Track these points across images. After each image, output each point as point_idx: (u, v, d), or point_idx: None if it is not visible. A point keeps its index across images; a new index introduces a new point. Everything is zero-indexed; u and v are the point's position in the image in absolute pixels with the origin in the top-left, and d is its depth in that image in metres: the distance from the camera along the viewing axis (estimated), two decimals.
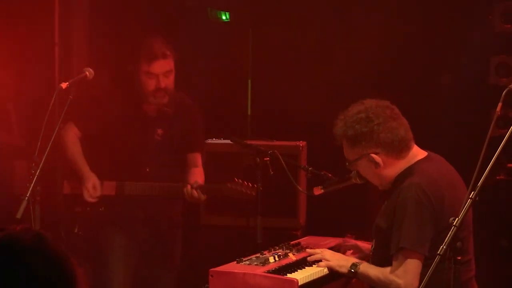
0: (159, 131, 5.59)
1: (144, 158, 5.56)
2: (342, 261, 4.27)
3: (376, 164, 4.13)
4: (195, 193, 5.38)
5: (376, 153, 4.11)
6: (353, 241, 4.64)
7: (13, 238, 2.20)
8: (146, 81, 5.49)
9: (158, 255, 5.68)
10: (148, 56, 5.50)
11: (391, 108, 4.17)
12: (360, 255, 4.48)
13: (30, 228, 2.25)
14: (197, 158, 5.69)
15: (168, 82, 5.54)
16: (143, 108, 5.59)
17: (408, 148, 4.16)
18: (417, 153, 4.20)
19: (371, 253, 4.26)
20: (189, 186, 5.40)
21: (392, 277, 4.00)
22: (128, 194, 5.49)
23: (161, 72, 5.49)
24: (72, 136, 5.60)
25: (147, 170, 5.55)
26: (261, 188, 5.24)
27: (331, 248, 4.51)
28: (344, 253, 4.53)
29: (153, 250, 5.65)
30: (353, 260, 4.25)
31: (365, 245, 4.52)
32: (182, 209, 5.78)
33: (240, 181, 5.32)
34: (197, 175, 5.59)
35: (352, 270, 4.17)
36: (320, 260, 4.33)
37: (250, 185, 5.29)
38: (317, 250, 4.40)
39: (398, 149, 4.12)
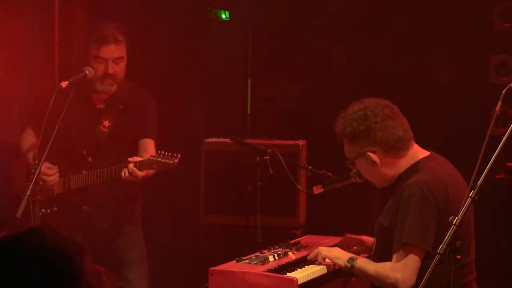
0: (106, 123, 5.37)
1: (88, 149, 5.34)
2: (338, 254, 4.26)
3: (373, 163, 4.12)
4: (130, 167, 5.04)
5: (373, 152, 4.11)
6: (356, 236, 4.62)
7: (18, 238, 2.23)
8: (95, 65, 5.28)
9: (116, 252, 5.49)
10: (98, 39, 5.29)
11: (391, 108, 4.16)
12: (364, 249, 4.48)
13: (37, 228, 2.27)
14: (149, 143, 5.39)
15: (118, 69, 5.32)
16: (92, 100, 5.41)
17: (406, 148, 4.15)
18: (419, 152, 4.19)
19: (372, 253, 4.25)
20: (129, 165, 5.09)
21: (390, 271, 3.98)
22: (74, 188, 5.29)
23: (111, 57, 5.28)
24: (27, 137, 5.48)
25: (89, 160, 5.33)
26: (260, 186, 5.24)
27: (333, 246, 4.50)
28: (348, 248, 4.50)
29: (109, 246, 5.46)
30: (351, 254, 4.24)
31: (369, 239, 4.50)
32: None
33: (162, 152, 5.02)
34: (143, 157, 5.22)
35: (349, 264, 4.14)
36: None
37: (170, 153, 5.00)
38: (314, 251, 4.39)
39: (396, 149, 4.12)
